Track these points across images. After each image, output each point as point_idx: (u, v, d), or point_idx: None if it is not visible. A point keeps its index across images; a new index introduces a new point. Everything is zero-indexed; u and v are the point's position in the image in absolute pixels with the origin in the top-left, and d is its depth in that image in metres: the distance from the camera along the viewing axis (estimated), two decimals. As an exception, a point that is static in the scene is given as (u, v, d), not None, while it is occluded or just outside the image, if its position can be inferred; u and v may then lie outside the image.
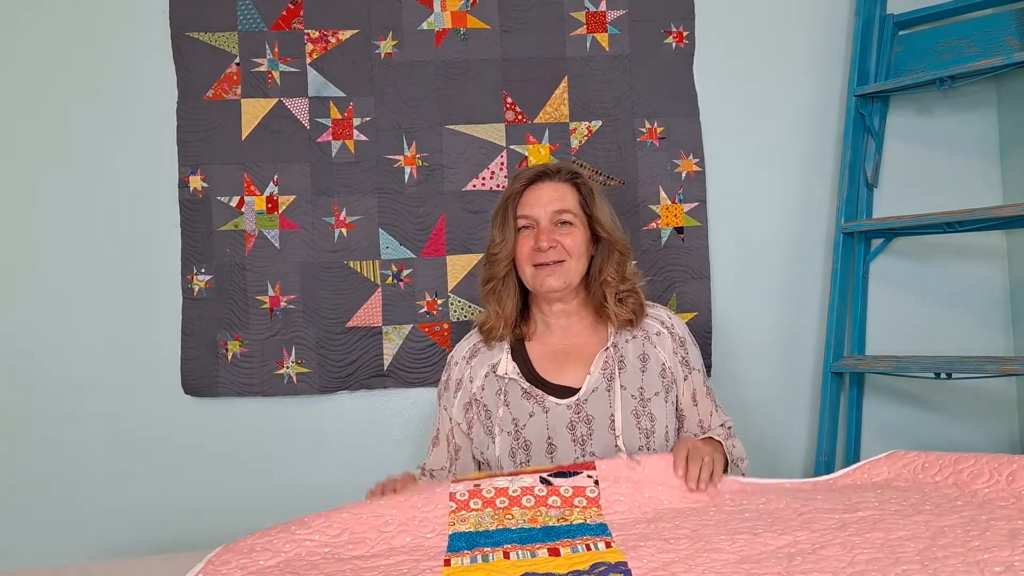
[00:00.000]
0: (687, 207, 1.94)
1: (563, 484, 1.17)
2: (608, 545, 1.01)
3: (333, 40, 1.90)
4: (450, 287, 1.90)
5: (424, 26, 1.92)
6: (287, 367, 1.86)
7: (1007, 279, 2.00)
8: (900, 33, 1.96)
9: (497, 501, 1.15)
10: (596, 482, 1.18)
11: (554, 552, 1.00)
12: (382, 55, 1.91)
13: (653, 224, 1.93)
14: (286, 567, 1.03)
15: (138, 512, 1.85)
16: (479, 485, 1.18)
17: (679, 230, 1.93)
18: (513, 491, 1.16)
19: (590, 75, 1.93)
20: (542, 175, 1.47)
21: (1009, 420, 1.99)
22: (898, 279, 2.01)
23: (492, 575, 0.93)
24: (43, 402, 1.85)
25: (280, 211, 1.88)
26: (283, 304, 1.87)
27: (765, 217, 1.99)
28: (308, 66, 1.89)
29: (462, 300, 1.89)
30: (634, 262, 1.50)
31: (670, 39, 1.96)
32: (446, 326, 1.89)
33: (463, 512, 1.14)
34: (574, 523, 1.11)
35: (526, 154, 1.91)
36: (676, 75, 1.95)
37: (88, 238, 1.87)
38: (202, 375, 1.85)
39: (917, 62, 1.91)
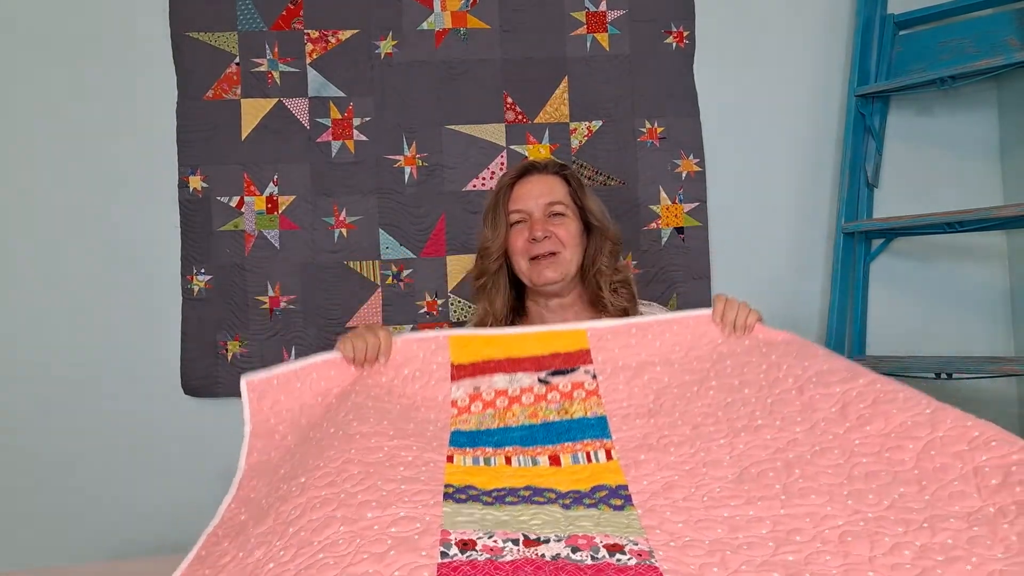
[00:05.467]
0: (687, 207, 1.93)
1: (561, 381, 1.16)
2: (608, 455, 1.00)
3: (333, 40, 1.90)
4: (450, 287, 1.89)
5: (424, 26, 1.91)
6: (287, 367, 1.86)
7: (1007, 279, 1.99)
8: (900, 33, 1.96)
9: (497, 401, 1.15)
10: (594, 376, 1.17)
11: (555, 460, 1.00)
12: (382, 55, 1.91)
13: (653, 224, 1.93)
14: (303, 441, 1.06)
15: (138, 512, 1.85)
16: (478, 388, 1.17)
17: (679, 230, 1.93)
18: (512, 391, 1.16)
19: (590, 75, 1.93)
20: (530, 169, 1.48)
21: (1010, 421, 1.99)
22: (899, 279, 2.00)
23: (495, 479, 0.94)
24: (43, 402, 1.85)
25: (280, 211, 1.88)
26: (283, 304, 1.86)
27: (765, 217, 1.98)
28: (308, 66, 1.89)
29: (462, 300, 1.89)
30: (634, 261, 1.50)
31: (670, 39, 1.95)
32: (446, 326, 1.89)
33: (464, 415, 1.14)
34: (574, 416, 1.10)
35: (526, 154, 1.91)
36: (676, 75, 1.95)
37: (88, 238, 1.87)
38: (202, 375, 1.84)
39: (917, 62, 1.91)
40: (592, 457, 1.00)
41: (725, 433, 0.98)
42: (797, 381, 1.06)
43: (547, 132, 1.92)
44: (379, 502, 0.86)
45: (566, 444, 1.04)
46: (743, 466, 0.92)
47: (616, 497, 0.90)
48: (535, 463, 1.00)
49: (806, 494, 0.85)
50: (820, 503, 0.83)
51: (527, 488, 0.93)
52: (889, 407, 0.96)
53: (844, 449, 0.91)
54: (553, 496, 0.91)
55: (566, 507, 0.90)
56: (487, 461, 1.00)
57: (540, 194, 1.44)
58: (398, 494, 0.88)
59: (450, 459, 0.99)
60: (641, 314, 1.49)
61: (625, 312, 1.45)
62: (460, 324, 1.87)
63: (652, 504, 0.88)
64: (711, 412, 1.04)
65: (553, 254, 1.41)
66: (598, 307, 1.48)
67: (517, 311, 1.51)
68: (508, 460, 1.01)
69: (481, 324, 1.47)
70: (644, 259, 1.90)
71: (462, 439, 1.06)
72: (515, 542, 0.80)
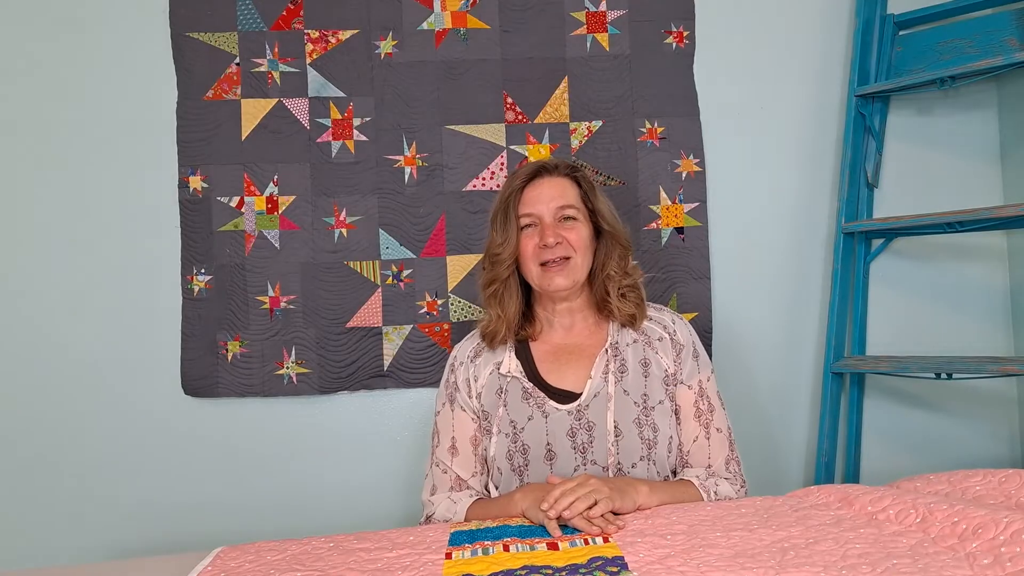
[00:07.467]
0: (687, 207, 1.94)
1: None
2: (606, 540, 1.03)
3: (333, 40, 1.90)
4: (450, 287, 1.89)
5: (424, 26, 1.92)
6: (287, 367, 1.86)
7: (1007, 279, 2.00)
8: (900, 33, 1.96)
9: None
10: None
11: (553, 546, 1.03)
12: (382, 55, 1.91)
13: (653, 224, 1.93)
14: (293, 559, 1.06)
15: (138, 512, 1.85)
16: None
17: (679, 230, 1.93)
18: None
19: (590, 75, 1.93)
20: (541, 171, 1.45)
21: (1009, 420, 1.99)
22: (898, 279, 2.01)
23: (492, 567, 0.95)
24: (43, 402, 1.85)
25: (280, 211, 1.88)
26: (283, 304, 1.86)
27: (765, 217, 1.98)
28: (308, 66, 1.89)
29: (462, 300, 1.89)
30: (635, 262, 1.49)
31: (670, 39, 1.95)
32: (446, 326, 1.89)
33: (463, 522, 1.20)
34: None
35: (526, 154, 1.91)
36: (676, 75, 1.95)
37: (88, 238, 1.87)
38: (202, 375, 1.85)
39: (917, 62, 1.91)
40: (590, 542, 1.04)
41: (721, 531, 1.03)
42: (793, 508, 1.13)
43: (547, 132, 1.92)
44: None
45: (564, 536, 1.08)
46: (739, 549, 0.95)
47: (613, 565, 0.93)
48: (533, 549, 1.02)
49: (800, 566, 0.87)
50: (814, 571, 0.86)
51: (524, 568, 0.94)
52: (886, 516, 1.03)
53: (839, 540, 0.95)
54: (550, 572, 0.93)
55: None
56: (485, 551, 1.02)
57: (551, 198, 1.41)
58: None
59: (448, 556, 1.02)
60: (650, 318, 1.46)
61: (632, 319, 1.42)
62: (462, 324, 1.87)
63: (648, 569, 0.90)
64: (707, 518, 1.09)
65: (564, 259, 1.39)
66: (604, 313, 1.46)
67: (524, 315, 1.48)
68: (506, 548, 1.03)
69: (494, 332, 1.43)
70: (644, 259, 1.90)
71: (461, 537, 1.10)
72: None
